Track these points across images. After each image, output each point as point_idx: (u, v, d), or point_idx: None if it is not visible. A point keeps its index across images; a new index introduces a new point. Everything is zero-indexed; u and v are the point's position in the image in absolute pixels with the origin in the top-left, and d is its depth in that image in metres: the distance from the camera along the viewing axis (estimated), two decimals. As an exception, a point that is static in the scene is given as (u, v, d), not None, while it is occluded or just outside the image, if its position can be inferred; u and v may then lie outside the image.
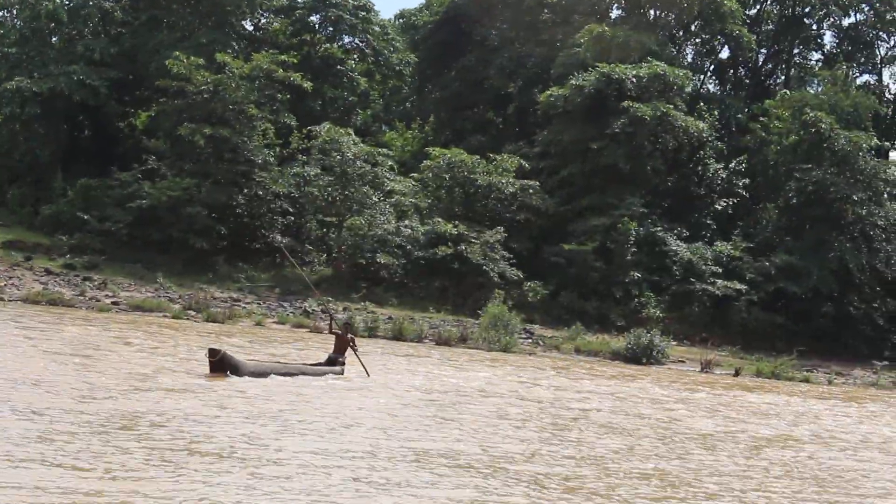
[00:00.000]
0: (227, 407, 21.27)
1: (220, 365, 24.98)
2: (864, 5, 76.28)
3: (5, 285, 43.60)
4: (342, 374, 27.96)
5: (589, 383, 37.31)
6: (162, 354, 29.42)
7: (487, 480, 16.96)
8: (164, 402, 20.90)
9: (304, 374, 27.00)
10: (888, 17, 75.84)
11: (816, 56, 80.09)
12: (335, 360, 28.34)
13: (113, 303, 43.73)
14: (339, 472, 16.05)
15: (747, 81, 77.82)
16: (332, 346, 29.26)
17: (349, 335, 29.44)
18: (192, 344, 32.43)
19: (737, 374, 47.69)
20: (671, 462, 21.25)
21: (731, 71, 78.91)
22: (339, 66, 65.85)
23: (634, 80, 59.60)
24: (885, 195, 59.73)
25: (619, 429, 25.53)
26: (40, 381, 22.01)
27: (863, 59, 78.70)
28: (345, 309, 47.52)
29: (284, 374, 26.41)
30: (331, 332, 30.33)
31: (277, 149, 55.88)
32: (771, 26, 78.05)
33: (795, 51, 79.77)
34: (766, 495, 18.52)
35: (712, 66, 78.01)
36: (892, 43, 78.57)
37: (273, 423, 20.06)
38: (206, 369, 25.34)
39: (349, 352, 28.87)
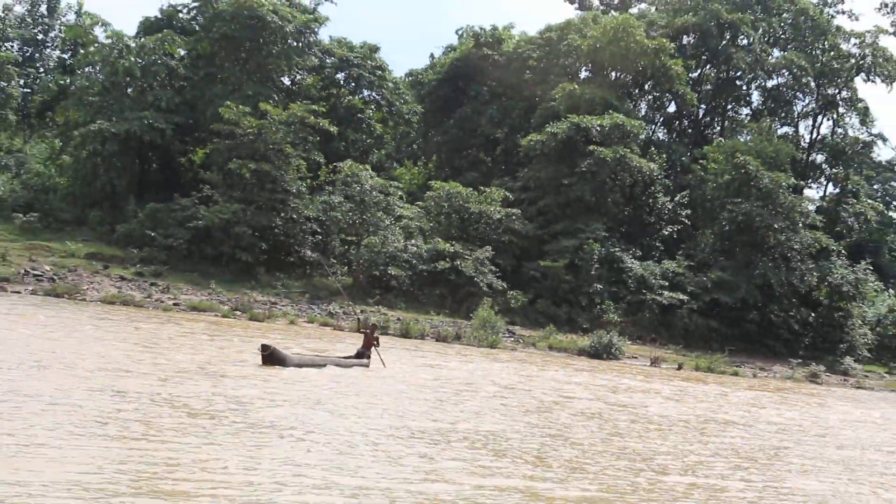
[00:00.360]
0: (275, 392, 21.52)
1: (271, 358, 25.24)
2: (784, 71, 76.53)
3: (87, 289, 43.63)
4: (368, 366, 28.12)
5: (561, 374, 37.45)
6: (221, 348, 29.53)
7: (479, 453, 17.08)
8: (224, 387, 21.10)
9: (338, 365, 27.22)
10: (804, 80, 76.04)
11: (746, 111, 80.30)
12: (363, 354, 28.51)
13: (174, 304, 43.72)
14: (361, 447, 16.27)
15: (690, 131, 77.98)
16: (360, 343, 29.32)
17: (375, 333, 29.63)
18: (244, 339, 32.45)
19: (679, 368, 48.01)
20: (631, 440, 21.30)
21: (677, 122, 79.07)
22: (359, 115, 65.89)
23: (598, 128, 59.86)
24: (800, 224, 60.07)
25: (588, 411, 25.69)
26: (119, 368, 22.09)
27: (783, 115, 79.00)
28: (362, 311, 47.46)
29: (322, 366, 26.66)
30: (359, 331, 30.53)
31: (308, 180, 55.88)
32: (709, 86, 78.24)
33: (729, 107, 79.90)
34: (710, 469, 18.60)
35: (661, 118, 78.31)
36: (806, 101, 78.81)
37: (310, 404, 20.35)
38: (259, 361, 25.53)
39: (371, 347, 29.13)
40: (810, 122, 79.85)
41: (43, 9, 76.05)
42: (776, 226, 58.76)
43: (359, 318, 33.49)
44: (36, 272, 45.23)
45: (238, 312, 44.01)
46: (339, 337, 41.26)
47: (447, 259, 53.23)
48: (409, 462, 15.44)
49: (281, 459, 14.53)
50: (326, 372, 26.07)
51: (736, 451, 21.70)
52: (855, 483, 19.62)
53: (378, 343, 29.15)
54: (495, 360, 39.30)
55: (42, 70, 76.16)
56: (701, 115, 78.87)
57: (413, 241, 54.94)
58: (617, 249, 57.89)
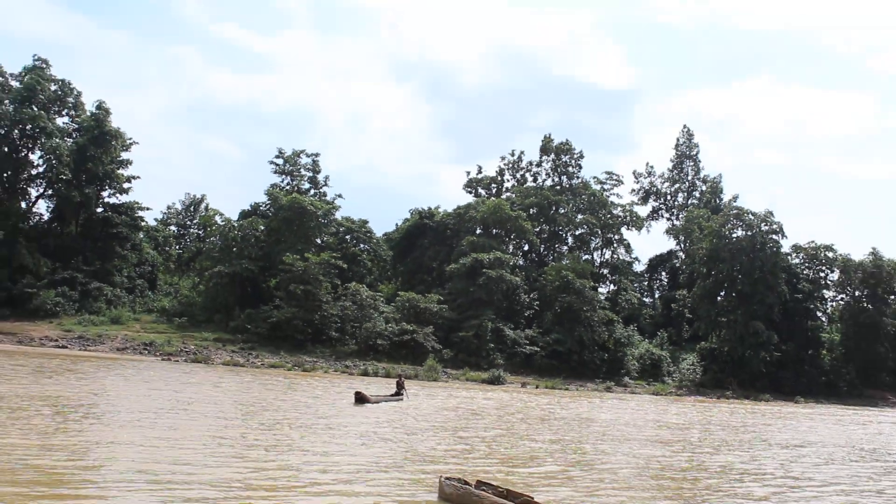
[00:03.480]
0: (360, 415, 22.35)
1: (361, 399, 26.12)
2: (584, 225, 77.82)
3: (214, 357, 44.23)
4: (401, 399, 28.84)
5: (478, 394, 38.47)
6: (326, 395, 30.04)
7: (453, 439, 18.20)
8: (336, 416, 21.96)
9: (389, 401, 27.91)
10: (594, 230, 78.07)
11: (565, 248, 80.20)
12: (399, 393, 29.41)
13: (261, 364, 44.33)
14: (402, 444, 17.02)
15: (536, 259, 78.69)
16: (395, 386, 30.62)
17: (402, 380, 30.84)
18: (340, 391, 32.86)
19: (536, 387, 48.85)
20: (511, 425, 22.41)
21: (529, 255, 79.24)
22: (358, 258, 66.97)
23: (488, 260, 60.89)
24: (597, 307, 61.08)
25: (494, 415, 26.76)
26: (272, 407, 22.86)
27: (585, 249, 79.82)
28: (363, 365, 48.16)
29: (383, 401, 27.43)
30: (396, 381, 31.28)
31: (332, 294, 56.02)
32: (545, 235, 78.69)
33: (555, 246, 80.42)
34: (582, 447, 19.55)
35: (521, 253, 78.22)
36: (596, 241, 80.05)
37: (376, 420, 21.23)
38: (352, 401, 26.28)
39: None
40: (599, 252, 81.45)
41: (190, 207, 77.59)
42: (584, 308, 59.77)
43: (399, 375, 34.29)
44: (186, 349, 45.93)
45: (296, 367, 44.64)
46: (353, 378, 41.95)
47: (408, 334, 53.89)
48: (427, 443, 16.34)
49: (353, 448, 15.28)
50: (386, 405, 26.69)
51: (594, 432, 22.84)
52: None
53: (404, 386, 30.26)
54: (441, 390, 40.19)
55: (188, 239, 76.75)
56: (542, 251, 79.79)
57: (390, 325, 55.42)
58: (500, 324, 58.36)
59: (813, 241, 68.24)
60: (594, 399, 42.84)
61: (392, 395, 29.06)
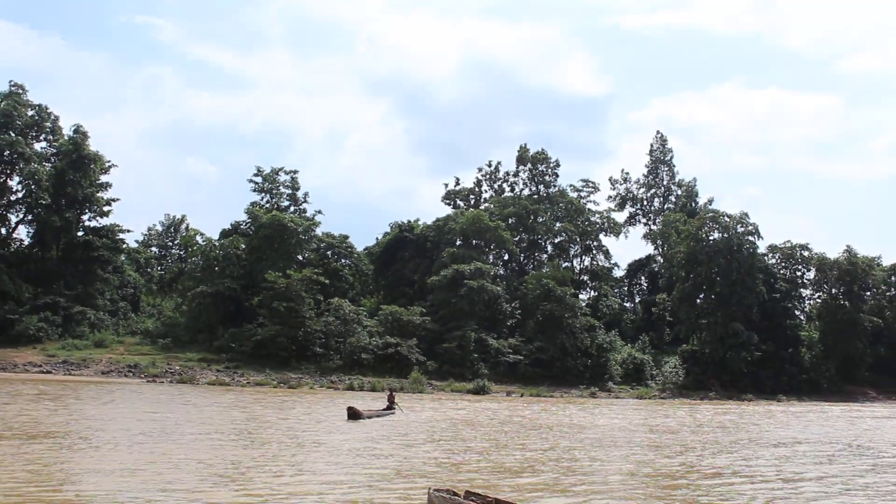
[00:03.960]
0: (352, 431, 21.92)
1: (354, 414, 25.90)
2: (562, 233, 78.45)
3: (199, 377, 43.79)
4: (394, 413, 28.77)
5: (466, 405, 38.21)
6: (314, 410, 29.76)
7: (445, 450, 17.95)
8: (328, 433, 21.61)
9: (381, 415, 27.80)
10: (573, 237, 78.31)
11: (544, 256, 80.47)
12: (391, 407, 29.48)
13: (246, 382, 43.95)
14: (394, 458, 16.68)
15: (516, 268, 78.92)
16: (385, 400, 30.71)
17: (393, 395, 31.01)
18: (332, 407, 32.36)
19: (521, 396, 48.76)
20: (500, 435, 22.26)
21: (510, 264, 79.56)
22: (339, 272, 66.43)
23: (469, 271, 60.95)
24: (578, 313, 61.14)
25: (484, 425, 26.54)
26: (271, 425, 22.38)
27: (564, 256, 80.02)
28: (349, 380, 47.78)
29: (376, 416, 27.24)
30: (387, 395, 31.25)
31: (315, 310, 55.72)
32: (524, 244, 79.06)
33: (535, 254, 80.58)
34: (573, 453, 19.49)
35: (501, 262, 78.11)
36: (576, 248, 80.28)
37: (368, 436, 20.90)
38: (345, 417, 26.04)
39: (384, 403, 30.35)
40: (579, 259, 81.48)
41: (171, 228, 76.73)
42: (566, 315, 59.64)
43: (390, 389, 34.08)
44: (171, 370, 45.56)
45: (281, 385, 44.27)
46: (338, 393, 41.58)
47: (393, 347, 53.61)
48: (414, 452, 16.02)
49: (346, 465, 15.00)
50: (378, 419, 26.63)
51: (566, 435, 22.71)
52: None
53: (395, 400, 30.35)
54: (430, 401, 39.86)
55: (169, 260, 76.02)
56: (522, 260, 79.93)
57: (374, 339, 55.11)
58: (483, 334, 58.20)
59: (788, 241, 69.15)
60: (580, 405, 42.76)
61: (384, 409, 28.93)
